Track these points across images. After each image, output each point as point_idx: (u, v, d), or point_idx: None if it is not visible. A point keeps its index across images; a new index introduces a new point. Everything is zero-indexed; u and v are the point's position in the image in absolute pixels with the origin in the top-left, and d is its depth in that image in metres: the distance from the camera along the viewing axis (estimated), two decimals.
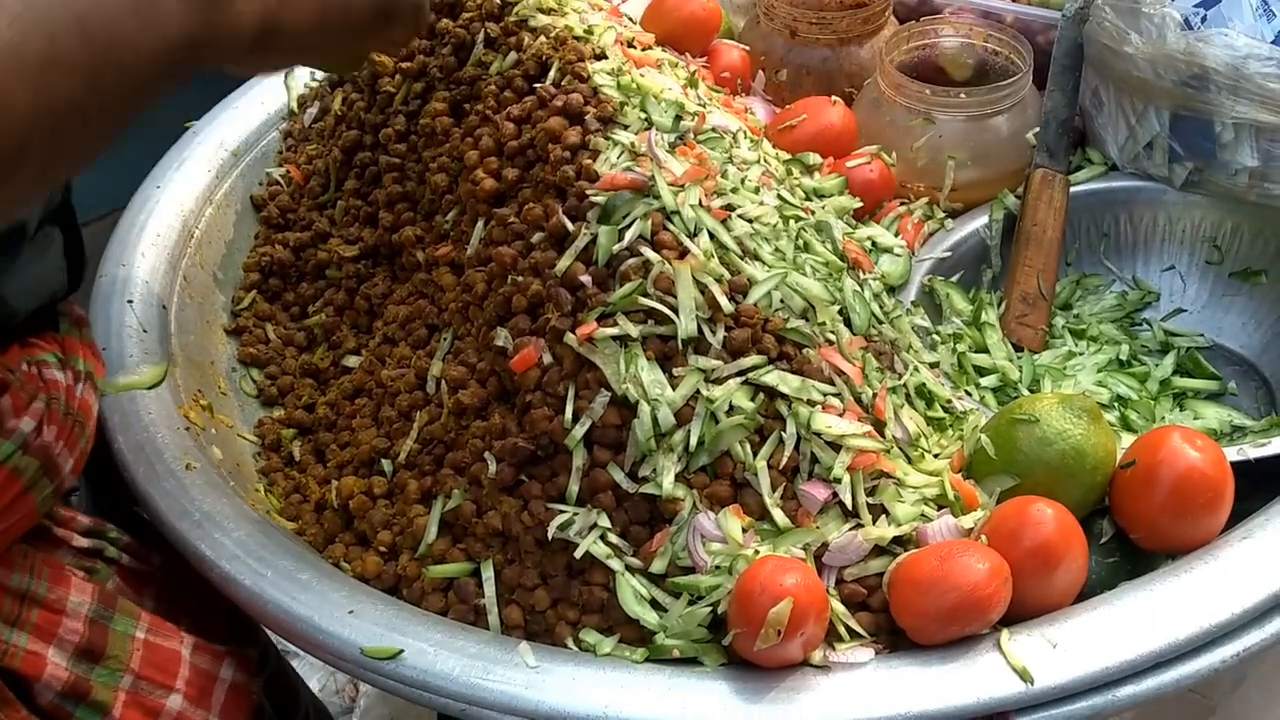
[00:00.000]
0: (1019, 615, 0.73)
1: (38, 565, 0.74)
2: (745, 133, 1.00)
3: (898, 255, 1.03)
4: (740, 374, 0.78)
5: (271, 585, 0.78)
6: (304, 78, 1.22)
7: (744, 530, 0.75)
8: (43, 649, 0.72)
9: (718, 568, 0.74)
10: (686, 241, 0.81)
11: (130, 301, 0.98)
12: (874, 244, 1.03)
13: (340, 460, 0.92)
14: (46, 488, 0.73)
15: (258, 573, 0.79)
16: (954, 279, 1.06)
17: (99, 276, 1.01)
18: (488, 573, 0.79)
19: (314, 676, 1.54)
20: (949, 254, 1.06)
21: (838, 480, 0.76)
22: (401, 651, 0.73)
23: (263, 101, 1.20)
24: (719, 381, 0.78)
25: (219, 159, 1.14)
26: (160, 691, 0.76)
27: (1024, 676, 0.69)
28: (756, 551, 0.74)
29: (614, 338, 0.78)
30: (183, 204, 1.09)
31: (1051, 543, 0.73)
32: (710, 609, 0.73)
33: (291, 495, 0.92)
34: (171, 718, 0.77)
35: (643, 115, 0.90)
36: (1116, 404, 0.98)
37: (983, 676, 0.70)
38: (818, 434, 0.77)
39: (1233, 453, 0.81)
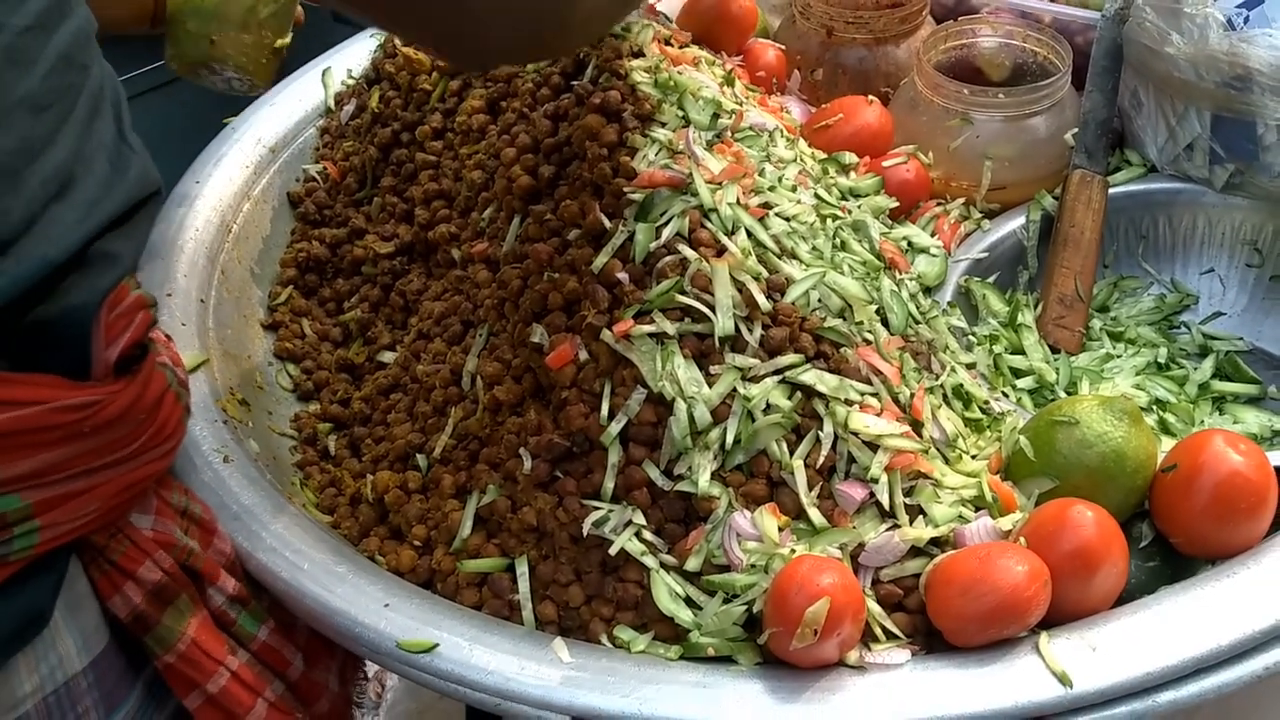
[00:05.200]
0: (1057, 619, 0.72)
1: (187, 491, 0.79)
2: (782, 131, 1.00)
3: (934, 256, 1.02)
4: (777, 372, 0.78)
5: (308, 578, 0.78)
6: (341, 75, 1.22)
7: (780, 529, 0.75)
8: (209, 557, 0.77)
9: (753, 566, 0.74)
10: (724, 239, 0.81)
11: (169, 295, 0.99)
12: (910, 244, 1.03)
13: (375, 455, 0.92)
14: (188, 419, 0.77)
15: (295, 565, 0.79)
16: (990, 280, 1.05)
17: (138, 270, 1.02)
18: (522, 568, 0.79)
19: None
20: (985, 255, 1.05)
21: (875, 480, 0.76)
22: (437, 645, 0.73)
23: (300, 98, 1.20)
24: (756, 380, 0.78)
25: (257, 155, 1.14)
26: (291, 616, 0.81)
27: (1063, 680, 0.68)
28: (793, 550, 0.74)
29: (650, 335, 0.78)
30: (221, 199, 1.09)
31: (1092, 546, 0.72)
32: (745, 607, 0.73)
33: (327, 489, 0.92)
34: (305, 630, 0.82)
35: (680, 113, 0.90)
36: (1155, 407, 0.97)
37: (1021, 680, 0.69)
38: (855, 433, 0.77)
39: (1276, 457, 0.80)
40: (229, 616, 0.77)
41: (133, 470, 0.70)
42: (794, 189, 0.91)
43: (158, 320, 0.75)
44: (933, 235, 1.05)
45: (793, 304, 0.81)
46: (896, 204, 1.05)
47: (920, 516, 0.77)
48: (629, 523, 0.77)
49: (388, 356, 1.01)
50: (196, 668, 0.74)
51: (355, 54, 1.24)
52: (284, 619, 0.81)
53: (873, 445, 0.77)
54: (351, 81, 1.21)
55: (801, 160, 0.99)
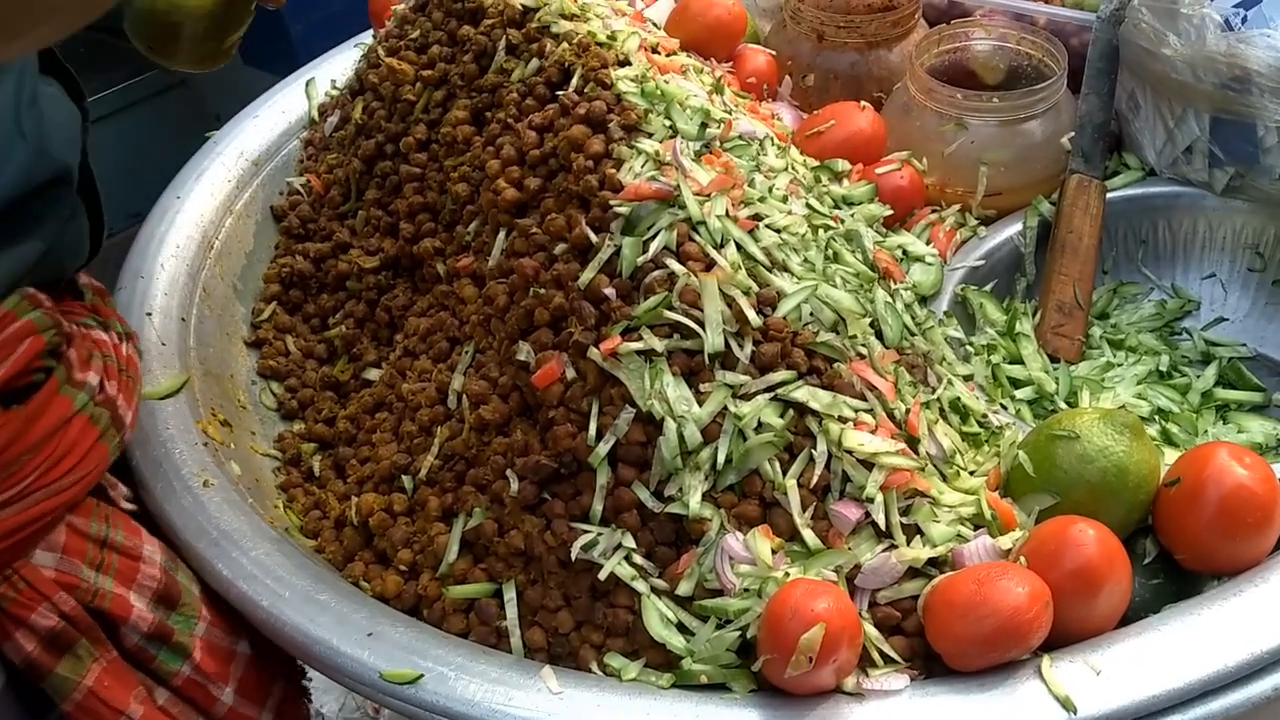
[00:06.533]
0: (1060, 640, 0.70)
1: (111, 515, 0.76)
2: (772, 139, 0.98)
3: (929, 264, 1.00)
4: (769, 390, 0.76)
5: (289, 606, 0.76)
6: (325, 86, 1.20)
7: (774, 551, 0.73)
8: (125, 593, 0.73)
9: (747, 590, 0.72)
10: (713, 253, 0.79)
11: (149, 314, 0.97)
12: (905, 253, 1.01)
13: (360, 476, 0.90)
14: (114, 438, 0.74)
15: (275, 593, 0.77)
16: (987, 288, 1.03)
17: (118, 288, 1.00)
18: (510, 594, 0.77)
19: (332, 694, 1.52)
20: (982, 262, 1.03)
21: (870, 499, 0.74)
22: (421, 676, 0.71)
23: (284, 110, 1.18)
24: (747, 397, 0.76)
25: (239, 168, 1.12)
26: (230, 639, 0.79)
27: (1066, 705, 0.66)
28: (787, 574, 0.72)
29: (638, 352, 0.76)
30: (203, 214, 1.07)
31: (1094, 564, 0.70)
32: (739, 633, 0.71)
33: (311, 511, 0.90)
34: (244, 661, 0.79)
35: (667, 123, 0.88)
36: (1157, 417, 0.95)
37: (1023, 705, 0.67)
38: (849, 452, 0.75)
39: None
40: (147, 654, 0.74)
41: (19, 513, 0.65)
42: (785, 199, 0.89)
43: (59, 346, 0.69)
44: (928, 243, 1.03)
45: (784, 318, 0.79)
46: (890, 212, 1.03)
47: (917, 536, 0.75)
48: (619, 546, 0.75)
49: (373, 374, 0.99)
50: (95, 717, 0.70)
51: (339, 65, 1.23)
52: (220, 648, 0.78)
53: (868, 463, 0.75)
54: (335, 93, 1.19)
55: (793, 169, 0.97)
